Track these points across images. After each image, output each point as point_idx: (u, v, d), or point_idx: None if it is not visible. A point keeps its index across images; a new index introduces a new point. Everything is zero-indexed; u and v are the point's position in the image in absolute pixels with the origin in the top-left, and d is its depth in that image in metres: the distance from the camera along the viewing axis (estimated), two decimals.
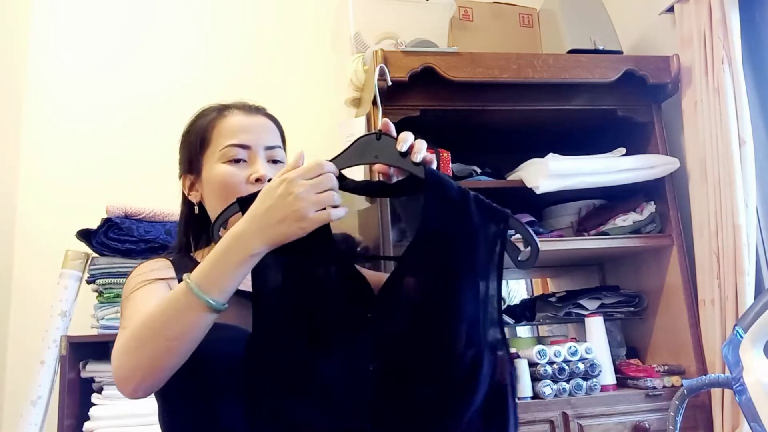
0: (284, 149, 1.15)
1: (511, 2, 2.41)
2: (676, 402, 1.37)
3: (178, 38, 2.51)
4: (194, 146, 1.11)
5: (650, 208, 2.06)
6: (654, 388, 1.88)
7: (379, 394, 0.80)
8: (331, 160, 0.85)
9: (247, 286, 1.01)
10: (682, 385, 1.48)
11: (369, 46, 2.11)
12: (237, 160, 1.07)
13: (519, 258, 0.84)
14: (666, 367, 1.97)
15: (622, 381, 1.97)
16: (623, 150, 2.05)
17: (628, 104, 2.07)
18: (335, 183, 0.83)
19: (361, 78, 2.12)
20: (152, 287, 1.00)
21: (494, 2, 2.40)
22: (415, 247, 0.82)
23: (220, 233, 0.89)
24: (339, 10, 2.47)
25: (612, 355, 2.00)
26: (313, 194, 0.81)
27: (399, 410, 0.80)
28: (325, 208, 0.81)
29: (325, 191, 0.81)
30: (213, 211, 1.09)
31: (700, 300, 1.92)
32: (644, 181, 2.00)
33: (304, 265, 0.83)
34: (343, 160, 0.88)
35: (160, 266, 1.06)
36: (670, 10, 2.13)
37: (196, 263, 1.04)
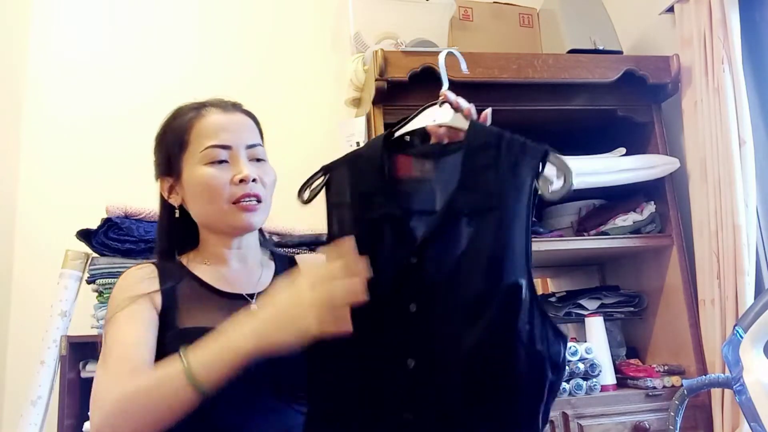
0: (263, 145, 1.12)
1: (511, 2, 2.41)
2: (676, 402, 1.37)
3: (178, 38, 2.51)
4: (172, 148, 1.08)
5: (650, 208, 2.06)
6: (654, 388, 1.88)
7: (419, 333, 0.84)
8: (399, 127, 0.98)
9: (241, 288, 1.07)
10: (682, 385, 1.47)
11: (369, 46, 2.11)
12: (219, 162, 1.04)
13: (550, 190, 0.83)
14: (666, 367, 1.97)
15: (622, 381, 1.97)
16: (623, 150, 2.05)
17: (628, 104, 2.07)
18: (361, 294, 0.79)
19: (361, 78, 2.12)
20: (135, 309, 0.98)
21: (494, 2, 2.40)
22: (459, 191, 0.86)
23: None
24: (339, 10, 2.47)
25: (612, 355, 2.00)
26: (322, 300, 0.78)
27: (438, 350, 0.82)
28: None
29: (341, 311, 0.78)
30: (197, 215, 1.09)
31: (700, 300, 1.92)
32: (644, 181, 2.00)
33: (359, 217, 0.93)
34: (411, 125, 0.99)
35: (145, 275, 1.04)
36: (670, 10, 2.13)
37: (182, 268, 1.07)
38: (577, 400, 1.83)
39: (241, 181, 1.03)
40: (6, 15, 2.36)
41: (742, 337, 1.23)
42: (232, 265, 1.10)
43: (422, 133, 0.98)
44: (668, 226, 2.03)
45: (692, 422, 1.85)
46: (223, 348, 0.82)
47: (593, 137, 2.22)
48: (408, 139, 1.00)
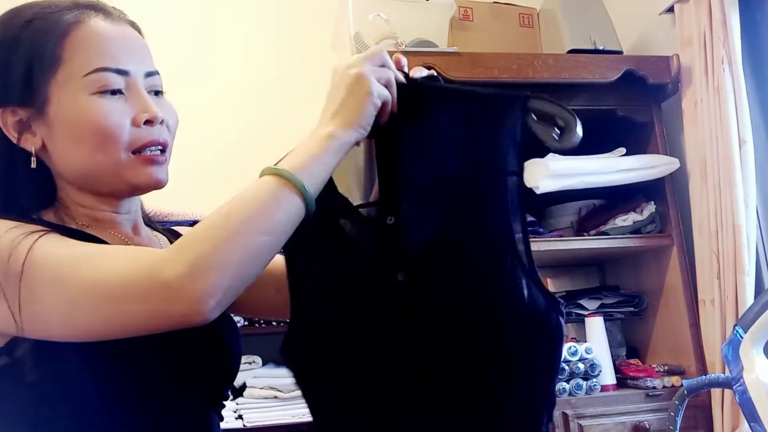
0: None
1: (511, 2, 2.41)
2: (676, 402, 1.37)
3: (177, 38, 2.51)
4: (32, 63, 0.75)
5: (650, 208, 2.06)
6: (654, 388, 1.88)
7: (410, 304, 0.78)
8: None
9: None
10: (682, 385, 1.48)
11: (369, 46, 2.11)
12: (112, 92, 0.76)
13: (555, 137, 0.75)
14: (666, 367, 1.97)
15: (622, 381, 1.97)
16: (623, 150, 2.05)
17: (628, 104, 2.07)
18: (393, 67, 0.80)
19: None
20: (51, 238, 0.69)
21: (494, 2, 2.40)
22: (427, 161, 0.80)
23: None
24: (339, 10, 2.47)
25: (612, 355, 2.00)
26: (378, 76, 0.77)
27: (429, 321, 0.78)
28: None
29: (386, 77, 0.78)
30: (73, 166, 0.78)
31: (700, 300, 1.92)
32: (644, 181, 2.00)
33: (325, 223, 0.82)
34: None
35: (10, 222, 0.71)
36: (670, 10, 2.13)
37: (52, 224, 0.76)
38: (577, 400, 1.83)
39: (147, 122, 0.78)
40: None
41: (742, 337, 1.23)
42: (125, 234, 0.83)
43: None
44: (668, 226, 2.03)
45: (692, 422, 1.85)
46: (315, 152, 0.72)
47: (593, 137, 2.22)
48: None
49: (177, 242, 0.66)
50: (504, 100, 0.80)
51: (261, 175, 0.70)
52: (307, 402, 0.86)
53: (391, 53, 0.88)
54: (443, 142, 0.81)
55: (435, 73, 0.84)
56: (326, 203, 0.77)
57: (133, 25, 0.85)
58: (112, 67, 0.77)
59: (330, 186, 0.79)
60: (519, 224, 0.77)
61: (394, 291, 0.78)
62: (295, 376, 0.85)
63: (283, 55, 2.56)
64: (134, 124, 0.77)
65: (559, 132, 0.76)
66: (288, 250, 0.81)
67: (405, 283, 0.78)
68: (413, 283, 0.78)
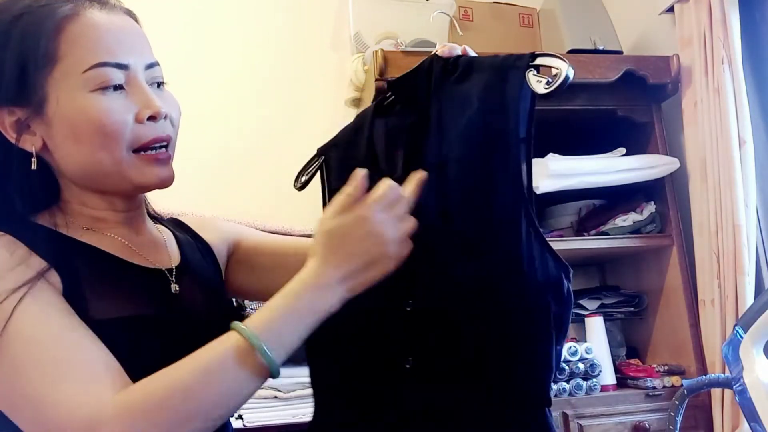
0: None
1: (511, 2, 2.41)
2: (676, 402, 1.37)
3: (177, 38, 2.51)
4: (28, 60, 0.72)
5: (650, 208, 2.06)
6: (654, 388, 1.88)
7: (418, 275, 0.77)
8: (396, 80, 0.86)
9: (155, 261, 0.82)
10: (682, 385, 1.47)
11: (369, 46, 2.11)
12: (114, 88, 0.73)
13: (545, 86, 0.76)
14: (666, 367, 1.96)
15: (622, 381, 1.97)
16: (623, 150, 2.05)
17: (628, 104, 2.07)
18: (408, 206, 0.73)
19: (361, 78, 2.12)
20: (35, 298, 0.66)
21: (494, 2, 2.40)
22: (442, 135, 0.80)
23: None
24: (339, 10, 2.47)
25: (612, 355, 2.00)
26: (398, 230, 0.70)
27: (436, 293, 0.77)
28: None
29: (405, 223, 0.71)
30: (75, 165, 0.75)
31: (700, 300, 1.92)
32: (644, 181, 2.00)
33: None
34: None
35: (7, 253, 0.68)
36: (670, 10, 2.13)
37: (62, 236, 0.75)
38: (577, 400, 1.83)
39: (150, 118, 0.75)
40: None
41: (742, 337, 1.23)
42: (128, 231, 0.82)
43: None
44: (668, 226, 2.03)
45: (692, 422, 1.85)
46: (295, 314, 0.66)
47: (593, 137, 2.22)
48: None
49: (128, 402, 0.62)
50: (512, 62, 0.80)
51: (232, 329, 0.66)
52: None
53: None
54: (464, 114, 0.81)
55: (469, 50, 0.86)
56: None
57: (130, 13, 0.81)
58: (112, 62, 0.73)
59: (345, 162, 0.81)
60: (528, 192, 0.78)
61: (407, 264, 0.75)
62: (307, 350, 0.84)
63: (283, 55, 2.56)
64: (137, 120, 0.74)
65: (549, 80, 0.76)
66: None
67: (418, 254, 0.76)
68: (427, 254, 0.77)
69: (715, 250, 1.86)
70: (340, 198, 0.71)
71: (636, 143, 2.10)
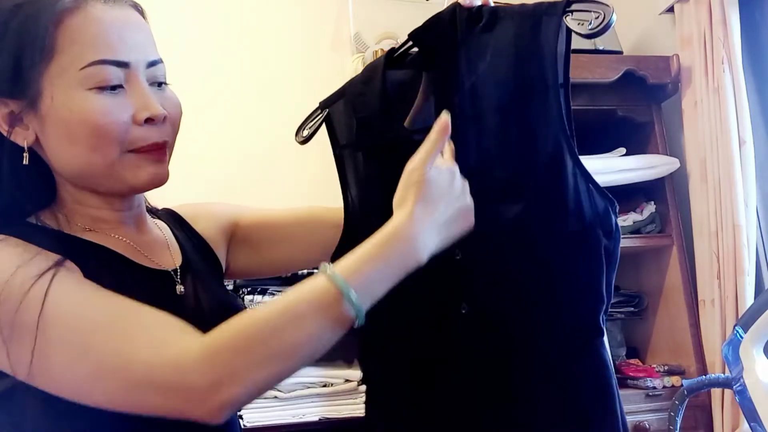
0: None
1: (511, 3, 2.41)
2: (676, 402, 1.37)
3: (176, 38, 2.51)
4: (22, 54, 0.68)
5: (650, 208, 2.06)
6: (654, 388, 1.88)
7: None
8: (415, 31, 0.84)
9: (160, 261, 0.80)
10: (682, 385, 1.47)
11: (369, 46, 2.11)
12: (112, 87, 0.70)
13: (589, 28, 0.74)
14: (666, 367, 1.97)
15: (622, 381, 1.97)
16: (623, 150, 2.05)
17: (628, 104, 2.07)
18: None
19: None
20: (65, 280, 0.65)
21: (494, 2, 2.40)
22: (474, 83, 0.80)
23: None
24: (339, 10, 2.47)
25: (612, 355, 1.99)
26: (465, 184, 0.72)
27: (485, 236, 0.77)
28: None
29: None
30: (68, 164, 0.72)
31: (700, 300, 1.92)
32: (644, 181, 2.00)
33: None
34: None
35: (20, 249, 0.66)
36: (670, 10, 2.13)
37: (51, 231, 0.72)
38: None
39: (148, 120, 0.72)
40: None
41: (742, 337, 1.23)
42: (131, 231, 0.80)
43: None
44: (668, 226, 2.03)
45: (692, 422, 1.85)
46: (385, 263, 0.64)
47: (593, 137, 2.22)
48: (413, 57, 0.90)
49: (214, 340, 0.62)
50: (545, 9, 0.80)
51: (321, 272, 0.64)
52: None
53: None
54: (496, 63, 0.81)
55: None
56: (381, 134, 0.79)
57: (136, 7, 0.78)
58: (111, 59, 0.70)
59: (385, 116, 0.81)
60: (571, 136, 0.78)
61: None
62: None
63: (283, 55, 2.56)
64: (135, 121, 0.71)
65: (590, 23, 0.76)
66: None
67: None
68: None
69: (715, 250, 1.86)
70: (427, 147, 0.69)
71: (636, 143, 2.10)
